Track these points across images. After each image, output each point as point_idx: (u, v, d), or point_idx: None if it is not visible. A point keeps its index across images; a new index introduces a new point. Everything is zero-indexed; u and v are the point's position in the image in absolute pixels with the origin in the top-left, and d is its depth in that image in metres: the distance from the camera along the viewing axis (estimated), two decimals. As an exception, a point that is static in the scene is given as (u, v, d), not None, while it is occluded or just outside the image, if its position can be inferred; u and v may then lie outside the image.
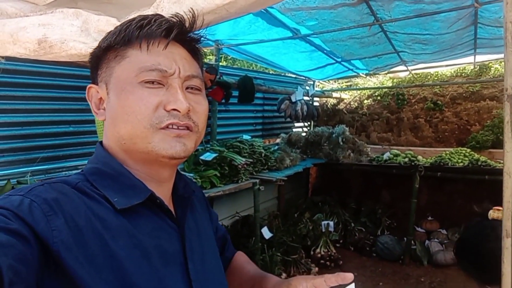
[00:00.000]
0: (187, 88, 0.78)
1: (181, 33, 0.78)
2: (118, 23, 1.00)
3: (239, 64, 6.48)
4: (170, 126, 0.73)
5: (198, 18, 0.93)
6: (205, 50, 4.41)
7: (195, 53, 0.83)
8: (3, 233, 0.55)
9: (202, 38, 0.83)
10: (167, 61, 0.74)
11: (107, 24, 1.00)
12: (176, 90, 0.74)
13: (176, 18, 0.77)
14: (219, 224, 1.10)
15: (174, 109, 0.73)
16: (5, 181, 2.24)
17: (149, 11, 0.94)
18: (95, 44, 1.04)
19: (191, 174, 3.22)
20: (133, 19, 0.76)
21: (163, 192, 0.81)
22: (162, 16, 0.76)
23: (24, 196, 0.63)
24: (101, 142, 0.82)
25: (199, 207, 0.94)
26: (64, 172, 2.81)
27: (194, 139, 0.78)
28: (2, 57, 1.79)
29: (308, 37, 3.83)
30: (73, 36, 1.04)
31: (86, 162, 2.72)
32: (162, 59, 0.74)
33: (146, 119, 0.72)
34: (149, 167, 0.78)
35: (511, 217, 0.84)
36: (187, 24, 0.79)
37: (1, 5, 1.19)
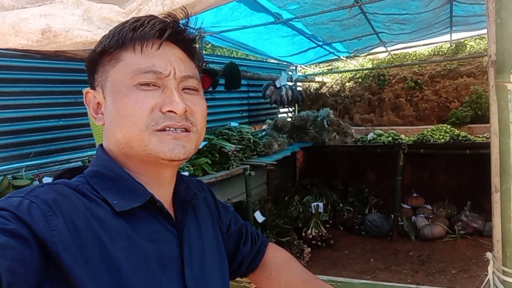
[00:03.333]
0: (183, 89, 0.77)
1: (175, 33, 0.76)
2: (121, 10, 1.03)
3: (219, 52, 6.47)
4: (167, 129, 0.72)
5: (199, 2, 0.96)
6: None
7: (190, 52, 0.81)
8: (2, 234, 0.54)
9: (197, 38, 0.82)
10: (161, 63, 0.73)
11: (110, 11, 1.02)
12: (171, 92, 0.73)
13: (169, 18, 0.77)
14: (236, 218, 1.06)
15: (170, 111, 0.72)
16: (1, 177, 2.24)
17: (152, -3, 0.96)
18: (99, 31, 1.06)
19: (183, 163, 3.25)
20: (127, 21, 0.75)
21: (164, 195, 0.80)
22: (155, 17, 0.75)
23: (24, 197, 0.62)
24: (101, 145, 0.81)
25: (203, 210, 0.92)
26: (57, 166, 2.81)
27: (194, 140, 0.77)
28: (-6, 52, 1.79)
29: (290, 22, 3.87)
30: (76, 25, 1.06)
31: (78, 155, 2.73)
32: (157, 61, 0.73)
33: (141, 122, 0.71)
34: (149, 168, 0.77)
35: (499, 173, 0.92)
36: (181, 24, 0.78)
37: (-3, -2, 1.19)
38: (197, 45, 0.86)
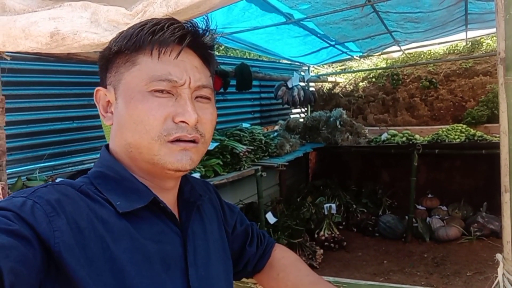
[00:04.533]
0: (196, 97, 0.77)
1: (194, 39, 0.76)
2: (128, 12, 1.04)
3: (232, 54, 6.48)
4: (178, 140, 0.73)
5: (204, 2, 0.97)
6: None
7: (207, 60, 0.81)
8: (5, 235, 0.54)
9: (215, 45, 0.82)
10: (177, 71, 0.73)
11: (116, 13, 1.03)
12: (185, 102, 0.73)
13: (190, 24, 0.76)
14: (242, 218, 1.06)
15: (183, 121, 0.72)
16: (16, 179, 2.29)
17: (157, -1, 0.97)
18: (106, 34, 1.08)
19: (195, 164, 3.27)
20: (146, 23, 0.74)
21: (168, 197, 0.81)
22: (175, 22, 0.74)
23: (27, 197, 0.62)
24: (106, 146, 0.82)
25: (208, 210, 0.92)
26: (70, 168, 2.86)
27: (200, 151, 0.78)
28: (8, 57, 1.82)
29: (301, 22, 3.85)
30: (83, 27, 1.07)
31: (91, 157, 2.76)
32: (173, 68, 0.73)
33: (154, 130, 0.71)
34: (153, 176, 0.78)
35: (508, 173, 0.90)
36: (200, 30, 0.77)
37: (9, 2, 1.22)
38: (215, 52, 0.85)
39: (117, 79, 0.76)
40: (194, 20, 0.79)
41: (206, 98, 0.79)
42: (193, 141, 0.75)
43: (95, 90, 0.80)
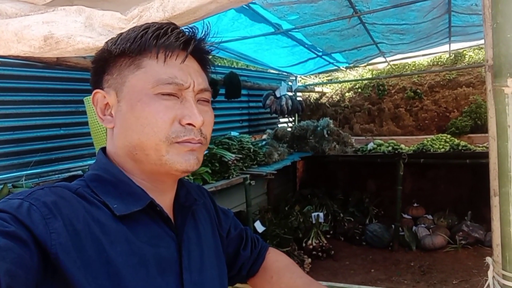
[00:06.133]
0: (198, 100, 0.78)
1: (195, 45, 0.78)
2: (123, 17, 1.05)
3: (220, 63, 6.52)
4: (187, 141, 0.74)
5: (200, 8, 0.98)
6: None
7: (204, 64, 0.83)
8: (1, 236, 0.54)
9: (213, 50, 0.84)
10: (183, 75, 0.74)
11: (111, 18, 1.04)
12: (191, 104, 0.75)
13: (189, 29, 0.78)
14: (236, 223, 1.07)
15: (189, 124, 0.74)
16: (1, 186, 2.25)
17: (153, 4, 0.97)
18: (101, 38, 1.08)
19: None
20: (148, 26, 0.75)
21: (165, 201, 0.81)
22: (176, 26, 0.76)
23: (24, 199, 0.62)
24: (103, 149, 0.82)
25: (202, 215, 0.93)
26: (57, 175, 2.81)
27: (203, 151, 0.80)
28: (-4, 60, 1.80)
29: (289, 32, 3.89)
30: (78, 31, 1.07)
31: (78, 164, 2.72)
32: (178, 72, 0.74)
33: (162, 132, 0.72)
34: (156, 177, 0.78)
35: (497, 177, 0.92)
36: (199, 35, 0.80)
37: (0, 6, 1.21)
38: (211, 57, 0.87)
39: (119, 81, 0.76)
40: (192, 25, 0.81)
41: (206, 100, 0.81)
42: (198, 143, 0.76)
43: (93, 93, 0.80)
